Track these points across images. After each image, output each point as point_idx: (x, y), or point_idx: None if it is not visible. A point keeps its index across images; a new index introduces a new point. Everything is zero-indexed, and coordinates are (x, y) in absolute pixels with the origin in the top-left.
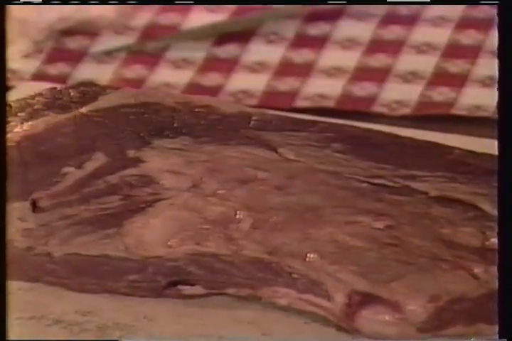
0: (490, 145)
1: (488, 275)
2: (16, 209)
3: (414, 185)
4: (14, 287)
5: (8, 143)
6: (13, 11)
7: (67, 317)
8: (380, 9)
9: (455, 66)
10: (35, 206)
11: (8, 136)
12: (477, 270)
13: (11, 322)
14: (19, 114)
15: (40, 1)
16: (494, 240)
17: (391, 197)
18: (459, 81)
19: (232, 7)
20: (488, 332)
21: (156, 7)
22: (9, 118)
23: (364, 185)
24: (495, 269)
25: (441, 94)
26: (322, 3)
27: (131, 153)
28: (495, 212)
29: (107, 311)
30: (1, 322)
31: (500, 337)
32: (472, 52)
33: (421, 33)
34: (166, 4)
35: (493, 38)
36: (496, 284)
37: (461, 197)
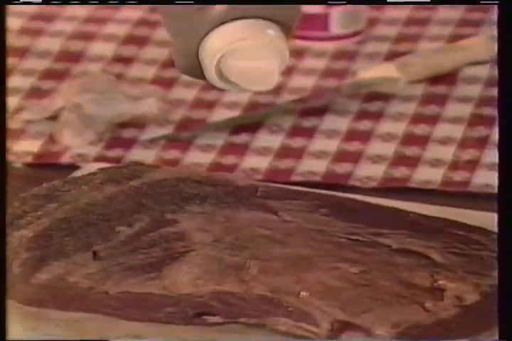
0: (438, 210)
1: (437, 308)
2: (81, 259)
3: (381, 240)
4: (79, 317)
5: (74, 209)
6: (84, 107)
7: (120, 339)
8: (354, 106)
9: (410, 151)
10: (95, 255)
11: (74, 204)
12: (428, 304)
13: None
14: (83, 187)
15: (40, 1)
16: (441, 282)
17: (364, 249)
18: (413, 162)
19: (244, 104)
20: None
21: (188, 105)
22: (75, 191)
23: (343, 240)
24: (442, 304)
25: (400, 172)
26: (322, 3)
27: (169, 215)
28: (442, 261)
29: (150, 335)
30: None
31: (500, 339)
32: (423, 141)
33: (385, 126)
34: (166, 4)
35: (440, 129)
36: (443, 315)
37: (416, 249)
